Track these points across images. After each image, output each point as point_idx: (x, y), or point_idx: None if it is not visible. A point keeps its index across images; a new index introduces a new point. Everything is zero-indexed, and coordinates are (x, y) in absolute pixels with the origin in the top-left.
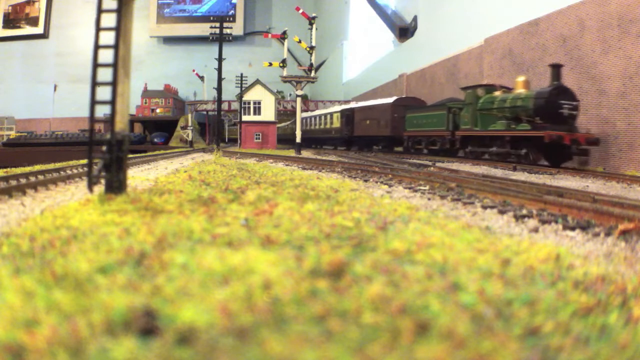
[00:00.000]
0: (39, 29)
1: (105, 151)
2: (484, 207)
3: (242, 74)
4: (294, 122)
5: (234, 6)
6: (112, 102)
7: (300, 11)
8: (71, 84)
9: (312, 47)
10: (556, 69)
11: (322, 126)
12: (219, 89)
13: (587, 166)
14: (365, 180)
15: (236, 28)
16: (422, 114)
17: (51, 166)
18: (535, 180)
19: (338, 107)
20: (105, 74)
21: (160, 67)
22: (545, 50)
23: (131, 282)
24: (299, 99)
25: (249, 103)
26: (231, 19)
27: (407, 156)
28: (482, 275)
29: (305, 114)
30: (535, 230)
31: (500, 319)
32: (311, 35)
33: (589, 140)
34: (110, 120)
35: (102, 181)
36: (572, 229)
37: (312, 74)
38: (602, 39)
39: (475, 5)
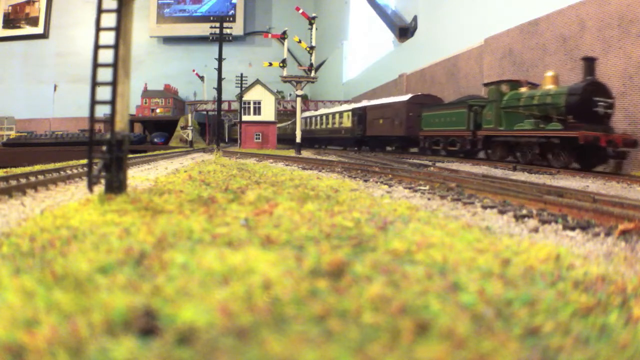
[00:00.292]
0: (39, 29)
1: (105, 151)
2: (484, 207)
3: (242, 74)
4: (295, 122)
5: (234, 6)
6: (112, 102)
7: (300, 11)
8: (71, 84)
9: (312, 47)
10: (589, 62)
11: (329, 126)
12: (219, 89)
13: (621, 170)
14: (365, 180)
15: (236, 28)
16: (440, 112)
17: (51, 166)
18: (535, 180)
19: (349, 106)
20: (105, 74)
21: (160, 67)
22: (545, 50)
23: (131, 282)
24: (299, 99)
25: (249, 103)
26: (231, 19)
27: (408, 156)
28: (482, 275)
29: (308, 113)
30: (535, 230)
31: (500, 319)
32: (311, 35)
33: (626, 141)
34: (110, 120)
35: (102, 181)
36: (572, 229)
37: (312, 74)
38: (602, 39)
39: (475, 5)
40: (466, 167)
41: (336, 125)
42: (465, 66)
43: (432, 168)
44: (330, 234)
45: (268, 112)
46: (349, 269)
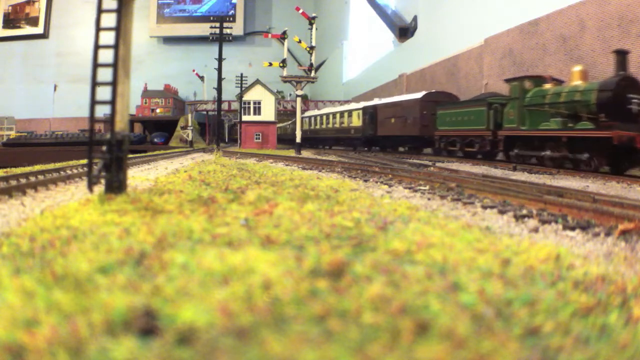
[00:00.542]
0: (39, 29)
1: (105, 151)
2: (484, 207)
3: (242, 74)
4: (295, 122)
5: (234, 6)
6: (112, 102)
7: (300, 11)
8: (71, 84)
9: (312, 47)
10: (621, 55)
11: (336, 125)
12: (219, 89)
13: None
14: (365, 180)
15: (236, 28)
16: (457, 111)
17: (51, 166)
18: (535, 180)
19: (358, 104)
20: (105, 74)
21: (160, 67)
22: (545, 50)
23: (131, 282)
24: (299, 99)
25: (249, 103)
26: (231, 19)
27: (408, 156)
28: (482, 275)
29: (312, 112)
30: (535, 230)
31: (500, 319)
32: (311, 35)
33: None
34: (110, 120)
35: (102, 181)
36: (572, 229)
37: (312, 74)
38: (602, 39)
39: (475, 5)
40: (466, 167)
41: (344, 125)
42: (465, 66)
43: (432, 168)
44: (330, 234)
45: (268, 112)
46: (349, 269)
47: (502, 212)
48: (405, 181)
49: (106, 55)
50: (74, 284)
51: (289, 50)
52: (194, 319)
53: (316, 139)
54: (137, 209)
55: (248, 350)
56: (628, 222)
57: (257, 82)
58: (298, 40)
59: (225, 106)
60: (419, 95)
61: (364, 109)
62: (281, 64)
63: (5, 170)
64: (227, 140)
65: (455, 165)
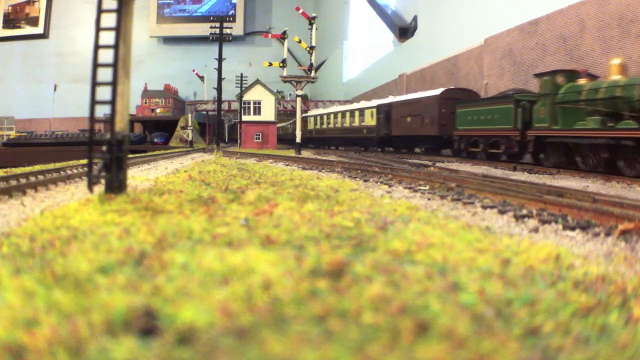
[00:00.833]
0: (39, 29)
1: (105, 151)
2: (484, 207)
3: (242, 74)
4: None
5: (234, 6)
6: (112, 102)
7: (300, 11)
8: (71, 84)
9: (312, 47)
10: None
11: (346, 124)
12: (219, 89)
13: None
14: (365, 180)
15: (236, 28)
16: (480, 109)
17: (51, 166)
18: (535, 180)
19: (372, 102)
20: (105, 74)
21: (160, 67)
22: (545, 50)
23: (131, 282)
24: (299, 99)
25: (249, 103)
26: (231, 19)
27: (408, 156)
28: (482, 275)
29: (317, 111)
30: (535, 230)
31: (500, 319)
32: (311, 35)
33: None
34: (110, 120)
35: (102, 181)
36: (572, 229)
37: (312, 74)
38: (602, 39)
39: (475, 5)
40: (466, 167)
41: (355, 124)
42: (465, 66)
43: (432, 168)
44: (330, 234)
45: (268, 112)
46: (349, 269)
47: (502, 212)
48: (405, 181)
49: (106, 55)
50: (74, 284)
51: (289, 50)
52: (194, 319)
53: (323, 139)
54: (137, 209)
55: (248, 350)
56: (628, 222)
57: (257, 82)
58: (298, 40)
59: (225, 106)
60: (437, 92)
61: (379, 107)
62: (281, 64)
63: (5, 170)
64: (227, 140)
65: (455, 165)
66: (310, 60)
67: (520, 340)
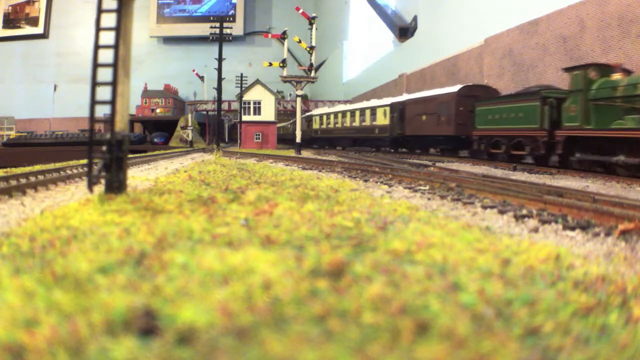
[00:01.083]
0: (39, 29)
1: (105, 151)
2: (484, 207)
3: (242, 74)
4: (302, 119)
5: (234, 6)
6: (112, 102)
7: (300, 11)
8: (71, 84)
9: (312, 47)
10: None
11: (355, 124)
12: (219, 89)
13: None
14: (365, 180)
15: (236, 28)
16: (502, 107)
17: (51, 166)
18: (535, 180)
19: (385, 100)
20: (105, 74)
21: (160, 67)
22: (545, 50)
23: (131, 282)
24: (299, 99)
25: (249, 103)
26: (231, 19)
27: (408, 156)
28: (482, 275)
29: (324, 110)
30: (535, 230)
31: (500, 319)
32: (311, 35)
33: None
34: (110, 120)
35: (102, 181)
36: (572, 229)
37: (312, 74)
38: (602, 39)
39: (476, 5)
40: (466, 167)
41: (366, 123)
42: (465, 66)
43: (432, 168)
44: (330, 234)
45: (268, 112)
46: (349, 269)
47: (502, 212)
48: (405, 181)
49: (106, 55)
50: (74, 284)
51: (289, 50)
52: (194, 319)
53: (329, 140)
54: (137, 209)
55: (248, 350)
56: (628, 222)
57: (257, 82)
58: (298, 40)
59: (225, 106)
60: (454, 88)
61: (392, 105)
62: (281, 64)
63: (5, 170)
64: (227, 140)
65: (455, 165)
66: (310, 60)
67: (520, 340)
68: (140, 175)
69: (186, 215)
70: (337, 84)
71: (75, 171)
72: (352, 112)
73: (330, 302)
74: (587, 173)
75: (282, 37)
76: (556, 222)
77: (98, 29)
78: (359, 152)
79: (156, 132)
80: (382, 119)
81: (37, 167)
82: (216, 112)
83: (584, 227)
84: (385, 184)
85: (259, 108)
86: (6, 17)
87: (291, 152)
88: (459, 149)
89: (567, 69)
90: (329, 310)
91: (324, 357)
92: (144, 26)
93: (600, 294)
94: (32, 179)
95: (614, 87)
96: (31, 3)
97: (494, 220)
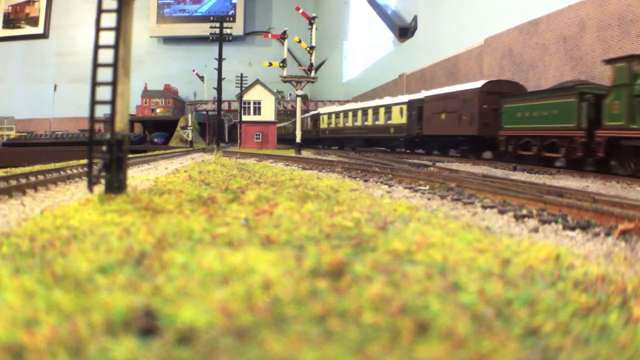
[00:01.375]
0: (39, 29)
1: (105, 151)
2: (484, 207)
3: (242, 74)
4: (304, 120)
5: (234, 6)
6: (112, 102)
7: (300, 11)
8: (71, 84)
9: (312, 47)
10: None
11: (368, 123)
12: (219, 89)
13: None
14: (365, 180)
15: (236, 28)
16: (533, 104)
17: (51, 166)
18: (535, 180)
19: (402, 97)
20: (105, 74)
21: (160, 67)
22: (545, 50)
23: (131, 282)
24: (299, 99)
25: (249, 103)
26: (231, 19)
27: (407, 156)
28: (482, 275)
29: (332, 108)
30: (535, 230)
31: (500, 319)
32: (311, 35)
33: None
34: (110, 120)
35: (102, 181)
36: (572, 229)
37: (312, 74)
38: (602, 39)
39: (476, 5)
40: (466, 167)
41: (380, 122)
42: (465, 66)
43: (432, 168)
44: (330, 234)
45: (268, 112)
46: (349, 269)
47: (502, 212)
48: (405, 181)
49: (106, 55)
50: (74, 284)
51: (289, 50)
52: (194, 319)
53: (339, 140)
54: (137, 209)
55: (248, 350)
56: (628, 222)
57: (257, 82)
58: (298, 40)
59: (225, 106)
60: (477, 84)
61: (410, 103)
62: (281, 64)
63: (5, 170)
64: (227, 140)
65: (455, 165)
66: (310, 60)
67: (520, 340)
68: (140, 175)
69: (186, 215)
70: (337, 84)
71: (75, 171)
72: (365, 110)
73: (330, 302)
74: (587, 173)
75: (282, 37)
76: (556, 222)
77: (98, 29)
78: (359, 152)
79: (156, 132)
80: (398, 118)
81: (37, 167)
82: (216, 112)
83: (584, 227)
84: (385, 184)
85: (259, 108)
86: (6, 17)
87: (291, 152)
88: (483, 151)
89: (608, 61)
90: (329, 310)
91: (324, 357)
92: (144, 26)
93: (600, 294)
94: (32, 179)
95: None
96: (31, 3)
97: (494, 220)
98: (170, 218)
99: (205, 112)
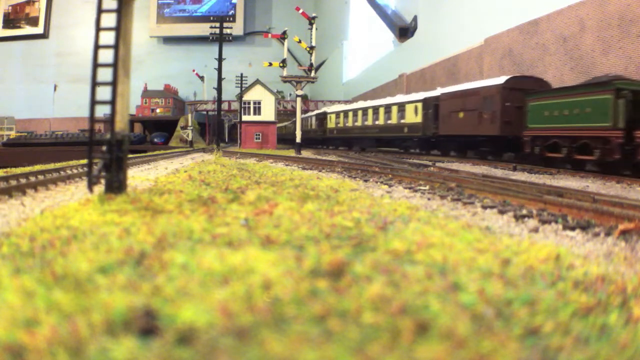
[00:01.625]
0: (39, 29)
1: (105, 151)
2: (484, 207)
3: (242, 74)
4: (305, 119)
5: (234, 6)
6: (112, 102)
7: (300, 11)
8: (71, 84)
9: (312, 47)
10: None
11: (379, 122)
12: (219, 89)
13: None
14: (365, 180)
15: (236, 28)
16: (562, 101)
17: (51, 166)
18: (535, 180)
19: (416, 95)
20: (105, 74)
21: (160, 67)
22: (545, 50)
23: (131, 282)
24: (299, 99)
25: (249, 103)
26: (231, 19)
27: (407, 156)
28: (482, 275)
29: (339, 107)
30: (535, 230)
31: (500, 319)
32: (311, 35)
33: None
34: (110, 120)
35: (102, 181)
36: (572, 229)
37: (312, 74)
38: (602, 39)
39: (476, 5)
40: (466, 167)
41: (392, 122)
42: (465, 66)
43: (432, 168)
44: (330, 234)
45: (268, 112)
46: (349, 269)
47: (502, 212)
48: (405, 181)
49: (106, 55)
50: (74, 284)
51: (289, 50)
52: (194, 319)
53: (348, 140)
54: (137, 209)
55: (248, 350)
56: (628, 222)
57: (257, 82)
58: (298, 40)
59: (225, 106)
60: (499, 80)
61: (426, 101)
62: (281, 64)
63: (5, 170)
64: (227, 140)
65: (455, 165)
66: (310, 60)
67: (520, 340)
68: (140, 175)
69: (186, 215)
70: (337, 84)
71: (75, 171)
72: (376, 108)
73: (330, 302)
74: (587, 173)
75: (282, 37)
76: (556, 222)
77: (98, 29)
78: (359, 152)
79: (156, 132)
80: (413, 117)
81: (37, 167)
82: (216, 112)
83: (584, 227)
84: (385, 184)
85: (259, 108)
86: (6, 17)
87: (291, 152)
88: (505, 152)
89: None
90: (329, 310)
91: (324, 357)
92: (144, 26)
93: (600, 294)
94: (32, 179)
95: None
96: (31, 3)
97: (494, 220)
98: (170, 218)
99: (205, 112)
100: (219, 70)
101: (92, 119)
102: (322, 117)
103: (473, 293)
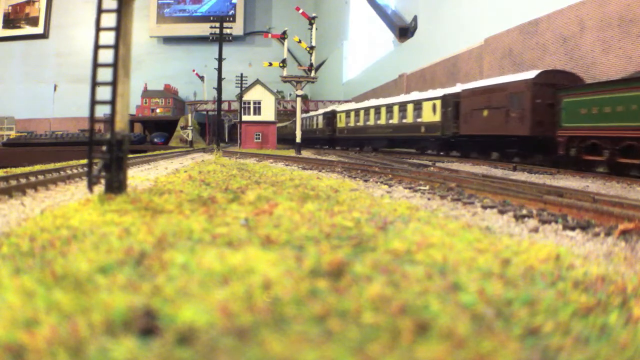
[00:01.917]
0: (39, 29)
1: (105, 151)
2: (484, 207)
3: (242, 74)
4: (309, 119)
5: (234, 6)
6: (112, 102)
7: (300, 11)
8: (71, 84)
9: (312, 47)
10: None
11: (393, 121)
12: (219, 89)
13: None
14: (365, 180)
15: (236, 28)
16: (602, 97)
17: (51, 166)
18: (535, 180)
19: (434, 92)
20: (105, 74)
21: (160, 67)
22: (545, 50)
23: (131, 282)
24: (299, 99)
25: (249, 103)
26: (231, 19)
27: (408, 156)
28: (482, 275)
29: (349, 106)
30: (535, 230)
31: (500, 319)
32: (311, 35)
33: None
34: (110, 120)
35: (102, 181)
36: (572, 229)
37: (312, 74)
38: (602, 39)
39: (475, 5)
40: (466, 167)
41: (407, 120)
42: (465, 66)
43: (432, 168)
44: (330, 234)
45: (268, 112)
46: (349, 269)
47: (502, 212)
48: (405, 181)
49: (106, 55)
50: (74, 284)
51: (289, 50)
52: (194, 319)
53: (359, 140)
54: (137, 209)
55: (248, 350)
56: (628, 222)
57: (257, 82)
58: (298, 40)
59: (225, 106)
60: (529, 75)
61: (445, 98)
62: (281, 64)
63: (5, 170)
64: (227, 140)
65: (455, 165)
66: (310, 60)
67: (520, 340)
68: (140, 175)
69: (186, 215)
70: (337, 84)
71: (75, 171)
72: (389, 107)
73: (330, 302)
74: (587, 173)
75: (282, 37)
76: (556, 222)
77: (98, 29)
78: (359, 152)
79: (156, 132)
80: (431, 115)
81: (37, 167)
82: (216, 112)
83: (584, 227)
84: (385, 184)
85: (259, 108)
86: (6, 17)
87: (291, 152)
88: (535, 154)
89: None
90: (329, 310)
91: (324, 357)
92: (144, 26)
93: (600, 294)
94: (32, 179)
95: None
96: (31, 3)
97: (494, 220)
98: (170, 218)
99: (205, 112)
100: (219, 70)
101: (92, 119)
102: (331, 116)
103: (473, 293)
